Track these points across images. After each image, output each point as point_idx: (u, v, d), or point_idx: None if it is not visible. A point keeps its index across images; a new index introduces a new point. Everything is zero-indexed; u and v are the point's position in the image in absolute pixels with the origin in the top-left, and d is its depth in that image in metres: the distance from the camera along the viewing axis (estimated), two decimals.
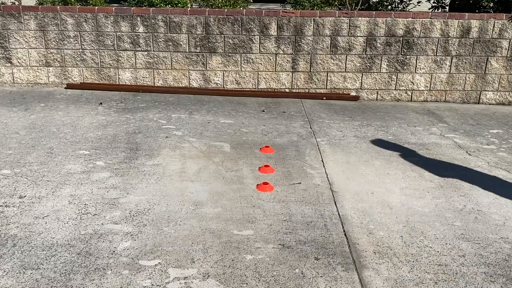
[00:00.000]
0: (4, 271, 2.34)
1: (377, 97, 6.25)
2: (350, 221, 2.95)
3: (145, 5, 6.57)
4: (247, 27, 5.98)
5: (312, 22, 5.96)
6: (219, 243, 2.66)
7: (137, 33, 6.03)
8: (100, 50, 6.11)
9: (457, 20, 5.94)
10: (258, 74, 6.17)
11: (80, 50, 6.11)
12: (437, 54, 6.06)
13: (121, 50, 6.10)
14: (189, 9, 6.18)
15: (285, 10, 6.21)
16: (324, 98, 6.12)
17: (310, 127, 4.89)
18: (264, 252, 2.59)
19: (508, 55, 6.07)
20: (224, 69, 6.15)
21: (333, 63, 6.09)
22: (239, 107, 5.57)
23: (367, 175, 3.71)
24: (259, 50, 6.06)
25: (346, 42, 6.01)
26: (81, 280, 2.29)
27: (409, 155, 4.18)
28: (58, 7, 6.02)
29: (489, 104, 6.26)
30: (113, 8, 6.07)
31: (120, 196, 3.19)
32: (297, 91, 6.22)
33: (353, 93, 6.22)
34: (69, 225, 2.80)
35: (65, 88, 6.21)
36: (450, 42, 6.01)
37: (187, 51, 6.09)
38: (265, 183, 3.40)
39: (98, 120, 4.89)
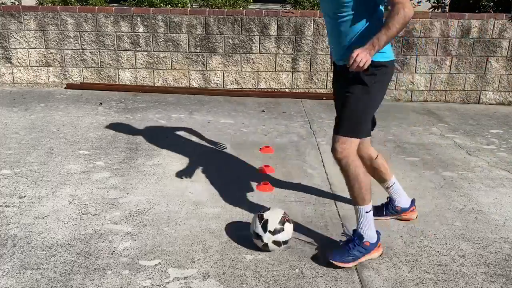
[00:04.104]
0: (4, 271, 2.34)
1: None
2: (350, 221, 2.95)
3: (145, 5, 6.57)
4: (247, 27, 5.98)
5: (312, 22, 5.96)
6: (219, 243, 2.66)
7: (137, 33, 6.03)
8: (100, 50, 6.11)
9: (457, 20, 5.95)
10: (258, 74, 6.17)
11: (80, 50, 6.11)
12: (437, 54, 6.06)
13: (121, 50, 6.10)
14: (189, 9, 6.18)
15: (285, 10, 6.22)
16: (324, 98, 6.11)
17: (310, 127, 4.89)
18: (264, 252, 2.59)
19: (508, 55, 6.07)
20: (224, 69, 6.15)
21: None
22: (239, 107, 5.57)
23: None
24: (259, 50, 6.06)
25: None
26: (81, 280, 2.29)
27: (409, 155, 4.18)
28: (58, 7, 6.02)
29: (489, 104, 6.26)
30: (113, 8, 6.07)
31: (120, 196, 3.19)
32: (297, 91, 6.22)
33: None
34: (69, 225, 2.79)
35: (65, 88, 6.21)
36: (450, 42, 6.01)
37: (187, 51, 6.09)
38: (265, 183, 3.40)
39: (98, 120, 4.89)
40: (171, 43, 6.06)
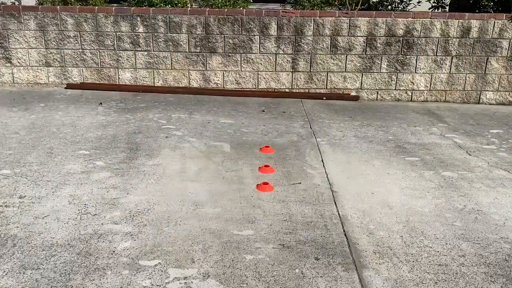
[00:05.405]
0: (4, 271, 2.34)
1: (377, 97, 6.25)
2: (350, 221, 2.95)
3: (145, 5, 6.57)
4: (247, 27, 5.98)
5: (312, 22, 5.96)
6: (219, 243, 2.66)
7: (137, 33, 6.03)
8: (100, 50, 6.11)
9: (457, 20, 5.94)
10: (258, 74, 6.17)
11: (80, 50, 6.11)
12: (437, 54, 6.06)
13: (121, 50, 6.10)
14: (189, 9, 6.18)
15: (285, 10, 6.21)
16: (324, 98, 6.12)
17: (310, 127, 4.89)
18: (264, 252, 2.59)
19: (508, 55, 6.07)
20: (224, 69, 6.15)
21: (333, 63, 6.09)
22: (239, 107, 5.57)
23: (367, 175, 3.71)
24: (259, 50, 6.06)
25: (346, 42, 6.01)
26: (81, 280, 2.29)
27: (409, 155, 4.18)
28: (58, 7, 6.02)
29: (489, 104, 6.26)
30: (113, 8, 6.07)
31: (120, 196, 3.19)
32: (297, 91, 6.22)
33: (353, 93, 6.22)
34: (69, 225, 2.79)
35: (65, 88, 6.21)
36: (450, 42, 6.01)
37: (187, 51, 6.09)
38: (265, 183, 3.40)
39: (98, 120, 4.89)
40: (171, 43, 6.06)
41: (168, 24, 6.00)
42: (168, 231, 2.77)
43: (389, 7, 7.18)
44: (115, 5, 6.86)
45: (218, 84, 6.22)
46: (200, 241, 2.67)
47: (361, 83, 6.18)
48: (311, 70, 6.14)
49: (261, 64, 6.11)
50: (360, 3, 6.82)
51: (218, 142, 4.36)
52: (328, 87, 6.20)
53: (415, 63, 6.10)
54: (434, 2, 7.34)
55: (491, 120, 5.46)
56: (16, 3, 6.84)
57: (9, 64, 6.16)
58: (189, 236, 2.72)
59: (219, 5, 6.60)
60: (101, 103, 5.53)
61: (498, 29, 5.96)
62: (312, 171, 3.73)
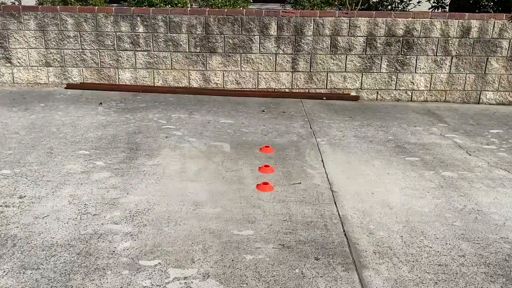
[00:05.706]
0: (4, 271, 2.34)
1: (377, 97, 6.25)
2: (350, 221, 2.95)
3: (145, 5, 6.57)
4: (247, 27, 5.98)
5: (312, 22, 5.96)
6: (219, 243, 2.66)
7: (137, 33, 6.03)
8: (100, 50, 6.11)
9: (457, 20, 5.94)
10: (258, 74, 6.17)
11: (80, 50, 6.11)
12: (437, 54, 6.06)
13: (121, 50, 6.10)
14: (189, 9, 6.18)
15: (285, 10, 6.21)
16: (324, 98, 6.12)
17: (310, 127, 4.89)
18: (264, 252, 2.59)
19: (508, 55, 6.07)
20: (224, 69, 6.15)
21: (333, 63, 6.09)
22: (239, 107, 5.57)
23: (367, 175, 3.71)
24: (259, 50, 6.06)
25: (346, 42, 6.01)
26: (81, 280, 2.29)
27: (409, 155, 4.18)
28: (58, 7, 6.02)
29: (489, 104, 6.26)
30: (113, 8, 6.06)
31: (120, 196, 3.19)
32: (297, 91, 6.22)
33: (353, 93, 6.22)
34: (69, 225, 2.79)
35: (65, 88, 6.21)
36: (450, 42, 6.01)
37: (187, 51, 6.09)
38: (265, 183, 3.40)
39: (98, 120, 4.89)
40: (171, 43, 6.06)
41: (168, 24, 6.00)
42: (168, 231, 2.77)
43: (389, 7, 7.18)
44: (115, 5, 6.86)
45: (218, 84, 6.22)
46: (200, 241, 2.67)
47: (361, 83, 6.18)
48: (311, 70, 6.14)
49: (261, 64, 6.11)
50: (360, 3, 6.82)
51: (218, 142, 4.36)
52: (328, 87, 6.20)
53: (415, 63, 6.10)
54: (434, 2, 7.34)
55: (491, 120, 5.46)
56: (16, 3, 6.84)
57: (9, 64, 6.16)
58: (189, 236, 2.72)
59: (219, 5, 6.60)
60: (101, 103, 5.53)
61: (498, 29, 5.96)
62: (312, 171, 3.73)
